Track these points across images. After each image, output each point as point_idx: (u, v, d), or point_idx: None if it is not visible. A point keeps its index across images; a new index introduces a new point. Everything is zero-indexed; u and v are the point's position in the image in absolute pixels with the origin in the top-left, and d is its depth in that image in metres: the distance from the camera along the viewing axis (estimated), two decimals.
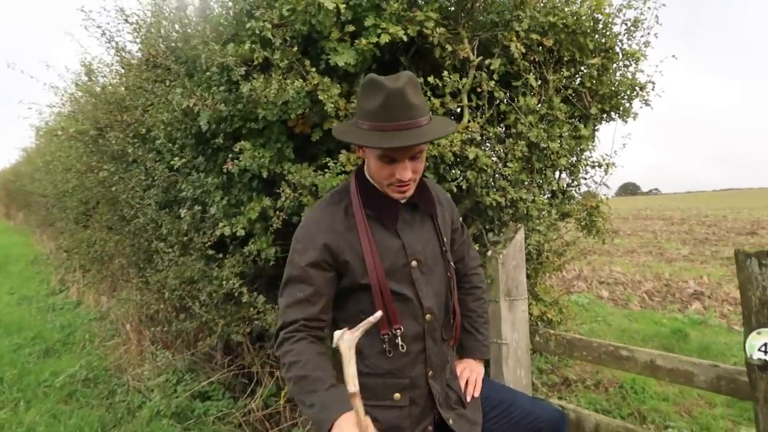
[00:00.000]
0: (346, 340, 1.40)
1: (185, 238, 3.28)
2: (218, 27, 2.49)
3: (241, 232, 2.61)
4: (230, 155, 2.59)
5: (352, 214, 1.66)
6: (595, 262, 11.80)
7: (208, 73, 2.44)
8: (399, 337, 1.66)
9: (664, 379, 2.12)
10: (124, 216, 4.33)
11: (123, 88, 3.82)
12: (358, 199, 1.67)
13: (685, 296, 8.19)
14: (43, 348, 5.93)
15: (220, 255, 2.96)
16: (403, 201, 1.69)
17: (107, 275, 6.33)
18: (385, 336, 1.65)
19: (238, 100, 2.44)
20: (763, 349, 1.55)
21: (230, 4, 2.53)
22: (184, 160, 2.80)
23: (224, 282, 2.90)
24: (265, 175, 2.53)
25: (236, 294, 2.81)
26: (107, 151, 4.28)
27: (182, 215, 2.87)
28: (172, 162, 2.86)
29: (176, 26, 3.33)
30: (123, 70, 4.06)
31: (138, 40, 3.67)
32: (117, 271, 5.64)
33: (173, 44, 3.20)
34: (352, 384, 1.36)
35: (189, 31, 3.05)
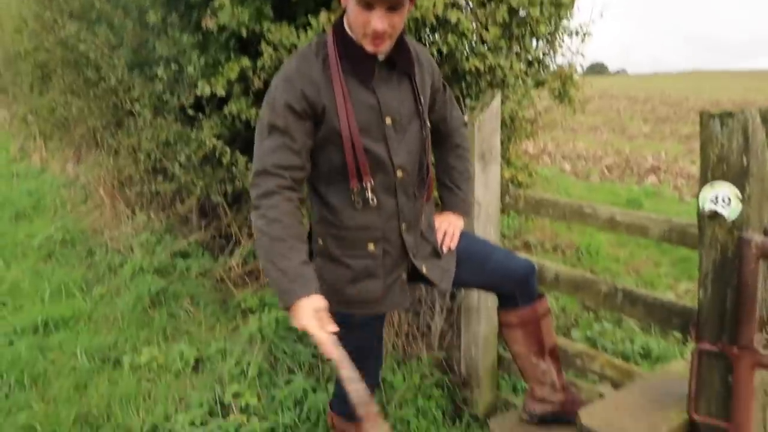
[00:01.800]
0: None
1: (158, 101, 3.23)
2: None
3: (221, 92, 2.60)
4: (208, 12, 2.50)
5: (328, 66, 1.64)
6: (560, 138, 12.07)
7: None
8: (369, 191, 1.68)
9: (623, 233, 2.32)
10: (88, 78, 4.19)
11: None
12: (334, 51, 1.64)
13: (643, 170, 8.56)
14: (13, 212, 5.94)
15: (198, 116, 2.95)
16: (380, 58, 1.67)
17: (72, 141, 6.21)
18: (354, 189, 1.68)
19: None
20: (713, 199, 1.71)
21: None
22: (157, 15, 2.69)
23: (203, 143, 2.92)
24: (244, 33, 2.48)
25: (217, 155, 2.84)
26: (66, 9, 4.04)
27: (158, 75, 2.81)
28: (146, 19, 2.75)
29: None
30: None
31: None
32: (83, 136, 5.54)
33: None
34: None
35: None
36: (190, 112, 2.91)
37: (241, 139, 3.27)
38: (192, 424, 2.51)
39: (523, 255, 4.46)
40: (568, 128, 14.12)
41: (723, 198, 1.70)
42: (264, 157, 1.61)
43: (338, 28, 1.68)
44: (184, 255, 4.14)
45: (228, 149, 2.84)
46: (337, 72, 1.62)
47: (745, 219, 1.66)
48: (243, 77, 2.71)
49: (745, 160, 1.65)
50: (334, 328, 1.57)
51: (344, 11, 1.67)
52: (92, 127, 4.81)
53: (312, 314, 1.54)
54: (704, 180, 1.75)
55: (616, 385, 2.29)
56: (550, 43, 3.21)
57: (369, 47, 1.60)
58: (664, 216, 2.18)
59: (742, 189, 1.66)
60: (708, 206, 1.73)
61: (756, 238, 1.60)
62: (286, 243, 1.56)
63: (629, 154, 9.96)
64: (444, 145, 2.03)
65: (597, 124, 15.15)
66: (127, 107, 3.66)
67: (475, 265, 1.98)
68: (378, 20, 1.52)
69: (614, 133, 13.31)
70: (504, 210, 2.84)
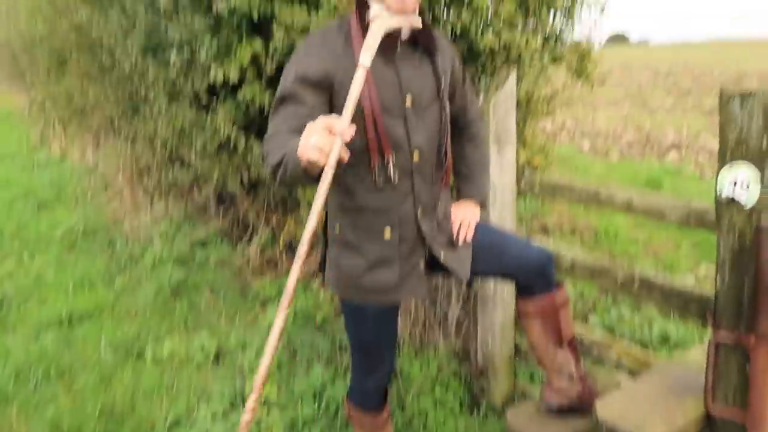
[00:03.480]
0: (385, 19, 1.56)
1: (172, 87, 3.22)
2: None
3: (233, 78, 2.59)
4: None
5: (351, 42, 1.65)
6: (579, 114, 11.86)
7: None
8: (391, 167, 1.68)
9: (640, 217, 2.27)
10: (103, 64, 4.19)
11: None
12: (358, 26, 1.65)
13: (664, 147, 8.39)
14: (36, 202, 6.04)
15: (212, 102, 2.94)
16: (404, 35, 1.67)
17: (90, 128, 6.25)
18: (376, 165, 1.67)
19: None
20: (732, 183, 1.66)
21: None
22: None
23: (218, 130, 2.91)
24: (255, 16, 2.46)
25: (232, 142, 2.84)
26: None
27: (172, 60, 2.80)
28: (158, 3, 2.73)
29: None
30: None
31: None
32: (101, 123, 5.58)
33: None
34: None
35: None
36: (204, 98, 2.90)
37: (256, 125, 3.26)
38: (214, 417, 2.56)
39: (541, 238, 4.42)
40: (589, 103, 13.90)
41: (742, 181, 1.65)
42: (277, 126, 1.61)
43: (361, 4, 1.67)
44: (203, 244, 4.19)
45: (243, 136, 2.83)
46: (360, 46, 1.58)
47: (764, 205, 1.61)
48: (255, 62, 2.69)
49: (765, 142, 1.60)
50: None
51: None
52: (109, 114, 4.83)
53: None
54: (723, 162, 1.70)
55: (633, 374, 2.27)
56: (568, 16, 3.12)
57: (397, 5, 1.58)
58: (683, 200, 2.13)
59: (762, 172, 1.61)
60: (726, 191, 1.68)
61: None
62: (284, 139, 1.53)
63: (650, 130, 9.75)
64: (462, 136, 2.03)
65: (618, 98, 14.85)
66: (142, 94, 3.66)
67: (492, 256, 1.96)
68: None
69: (635, 107, 13.04)
70: (520, 193, 2.81)
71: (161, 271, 3.87)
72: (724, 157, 1.69)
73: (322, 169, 1.38)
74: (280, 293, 3.34)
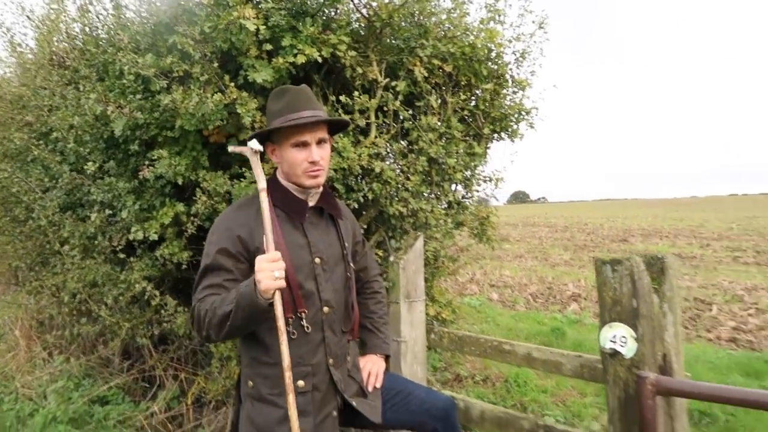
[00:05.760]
0: (252, 144, 1.79)
1: (89, 242, 3.24)
2: (135, 36, 2.54)
3: (154, 237, 2.67)
4: (146, 162, 2.64)
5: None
6: (487, 267, 12.54)
7: (124, 81, 2.49)
8: (304, 320, 1.85)
9: (539, 369, 2.45)
10: (16, 216, 4.15)
11: (23, 86, 3.68)
12: (268, 198, 1.85)
13: (565, 298, 8.96)
14: None
15: (129, 258, 2.98)
16: (311, 203, 1.93)
17: None
18: (290, 319, 1.82)
19: (154, 109, 2.51)
20: (612, 339, 1.89)
21: (147, 15, 2.59)
22: (96, 165, 2.80)
23: (132, 285, 2.93)
24: (180, 182, 2.62)
25: (146, 297, 2.85)
26: (1, 149, 4.09)
27: (92, 218, 2.86)
28: (85, 167, 2.85)
29: (80, 26, 3.29)
30: (20, 67, 3.92)
31: (37, 38, 3.57)
32: (3, 274, 5.34)
33: (81, 45, 3.17)
34: (262, 181, 1.75)
35: (100, 34, 3.04)
36: (121, 255, 2.94)
37: (171, 280, 3.29)
38: None
39: (454, 387, 4.50)
40: (496, 257, 14.75)
41: (621, 338, 1.88)
42: (205, 291, 1.77)
43: (272, 181, 1.95)
44: (103, 401, 3.92)
45: (157, 292, 2.86)
46: (272, 216, 1.81)
47: (640, 357, 1.83)
48: (176, 221, 2.81)
49: (635, 302, 1.86)
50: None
51: (275, 170, 1.98)
52: (15, 265, 4.66)
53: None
54: (603, 321, 1.94)
55: None
56: (468, 187, 3.51)
57: (309, 181, 1.88)
58: (575, 353, 2.33)
59: (635, 329, 1.85)
60: (608, 345, 1.90)
61: (651, 375, 1.76)
62: (224, 298, 1.71)
63: (552, 282, 10.43)
64: (365, 293, 2.23)
65: (521, 252, 15.91)
66: (55, 247, 3.62)
67: (399, 403, 2.09)
68: (314, 153, 1.84)
69: (537, 261, 13.98)
70: (430, 347, 2.94)
71: None
72: (603, 316, 1.93)
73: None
74: None
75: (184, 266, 2.87)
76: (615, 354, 1.88)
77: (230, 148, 1.88)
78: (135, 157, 2.85)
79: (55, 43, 3.50)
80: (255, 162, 1.80)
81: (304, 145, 1.84)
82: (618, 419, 1.88)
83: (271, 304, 1.65)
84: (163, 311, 2.90)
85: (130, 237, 2.70)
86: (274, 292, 1.63)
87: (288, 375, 1.67)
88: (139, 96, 2.52)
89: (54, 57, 3.34)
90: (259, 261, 1.64)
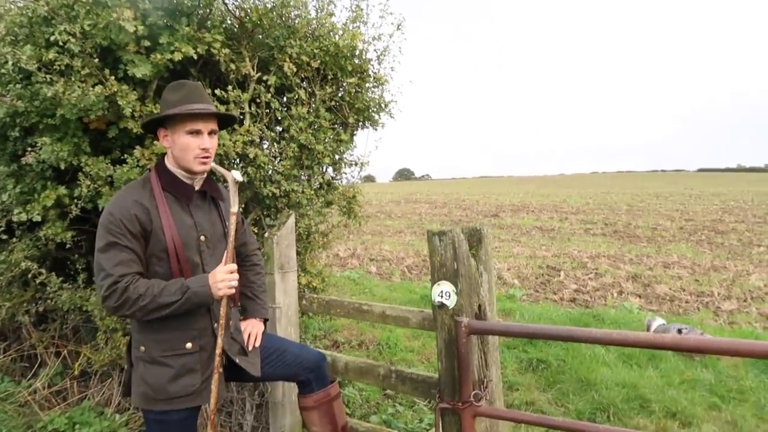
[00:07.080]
0: (235, 175, 2.13)
1: None
2: (12, 27, 2.64)
3: (37, 218, 2.81)
4: (28, 147, 2.77)
5: (154, 195, 2.12)
6: (369, 242, 13.15)
7: (2, 70, 2.60)
8: None
9: (392, 324, 2.93)
10: None
11: None
12: (157, 182, 2.14)
13: None
14: None
15: (11, 239, 3.07)
16: (196, 187, 2.21)
17: None
18: None
19: (34, 98, 2.64)
20: (440, 294, 2.38)
21: (23, 5, 2.69)
22: None
23: (13, 266, 3.04)
24: (62, 167, 2.78)
25: (31, 275, 2.98)
26: None
27: None
28: None
29: None
30: None
31: None
32: None
33: None
34: (235, 205, 2.14)
35: None
36: (3, 236, 3.04)
37: (52, 259, 3.41)
38: None
39: (332, 352, 4.96)
40: (377, 232, 15.41)
41: (445, 293, 2.38)
42: (110, 270, 1.99)
43: (160, 166, 2.22)
44: None
45: (43, 270, 3.00)
46: (161, 199, 2.12)
47: (460, 307, 2.34)
48: (58, 203, 2.95)
49: (455, 264, 2.36)
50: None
51: (163, 155, 2.24)
52: None
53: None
54: (433, 280, 2.43)
55: None
56: (337, 170, 3.92)
57: (199, 167, 2.17)
58: (419, 308, 2.84)
59: (456, 286, 2.35)
60: (437, 299, 2.40)
61: (465, 319, 2.27)
62: (165, 287, 2.03)
63: (426, 255, 11.23)
64: (245, 264, 2.55)
65: (402, 228, 16.73)
66: None
67: (276, 359, 2.47)
68: (206, 141, 2.15)
69: (416, 235, 14.84)
70: (302, 312, 3.34)
71: None
72: (433, 276, 2.42)
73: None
74: (71, 424, 3.35)
75: (68, 245, 3.03)
76: (442, 306, 2.38)
77: (213, 167, 2.21)
78: (14, 143, 2.94)
79: None
80: (234, 191, 2.15)
81: (198, 133, 2.12)
82: (445, 356, 2.40)
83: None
84: (48, 288, 3.05)
85: (14, 219, 2.82)
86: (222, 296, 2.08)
87: (218, 361, 2.14)
88: (19, 85, 2.64)
89: None
90: (220, 272, 2.07)
